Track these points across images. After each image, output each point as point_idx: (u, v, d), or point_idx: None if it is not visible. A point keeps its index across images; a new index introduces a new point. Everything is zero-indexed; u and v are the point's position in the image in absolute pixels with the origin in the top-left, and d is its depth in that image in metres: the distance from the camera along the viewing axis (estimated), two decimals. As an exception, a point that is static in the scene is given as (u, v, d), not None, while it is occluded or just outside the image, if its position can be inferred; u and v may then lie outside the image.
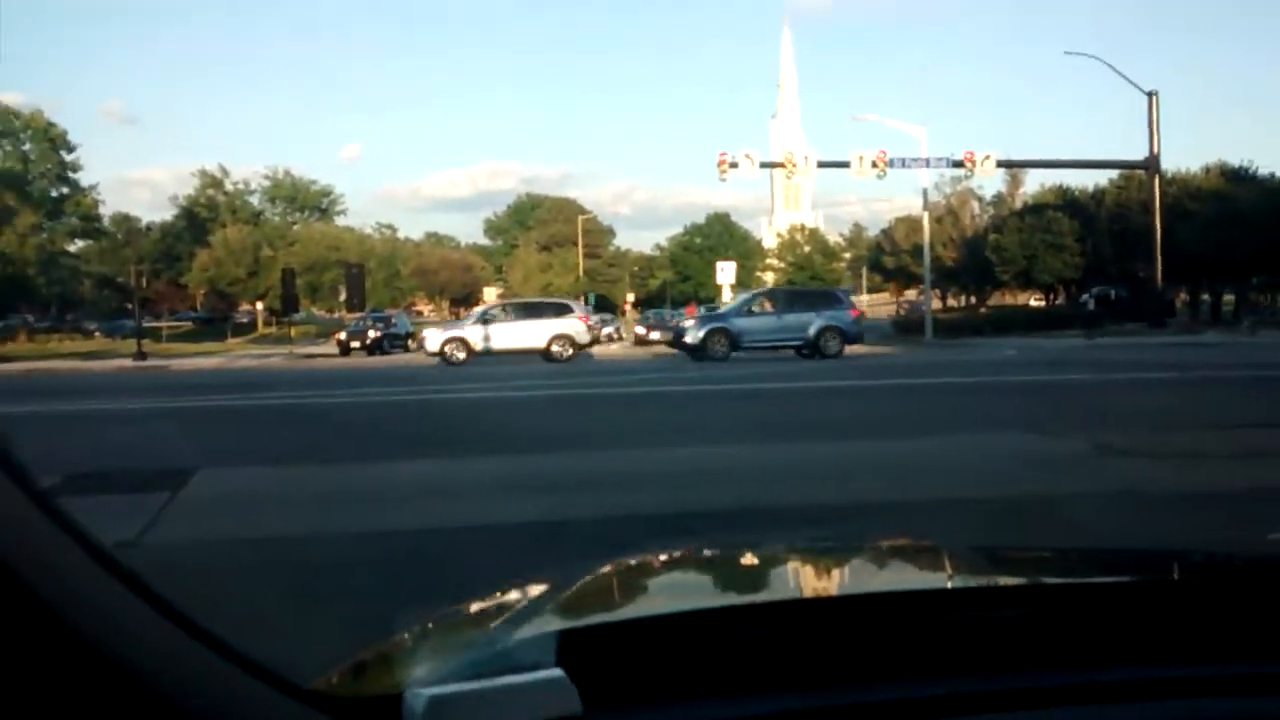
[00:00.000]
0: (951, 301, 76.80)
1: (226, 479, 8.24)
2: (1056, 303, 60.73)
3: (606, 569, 1.60)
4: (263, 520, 6.70)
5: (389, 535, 6.19)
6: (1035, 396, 15.12)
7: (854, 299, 36.59)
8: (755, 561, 1.76)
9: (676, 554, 1.79)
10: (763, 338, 28.15)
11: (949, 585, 1.50)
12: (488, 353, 28.96)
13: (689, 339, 28.59)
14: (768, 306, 29.57)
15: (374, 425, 12.96)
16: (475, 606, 1.38)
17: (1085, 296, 51.88)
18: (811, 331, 27.93)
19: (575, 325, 30.06)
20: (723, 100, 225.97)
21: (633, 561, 1.70)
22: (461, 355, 28.76)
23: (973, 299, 71.95)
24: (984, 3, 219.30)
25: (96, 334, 54.06)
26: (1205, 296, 55.38)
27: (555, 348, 29.05)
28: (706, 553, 1.87)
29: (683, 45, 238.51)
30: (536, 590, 1.44)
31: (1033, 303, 66.66)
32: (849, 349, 28.35)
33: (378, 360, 36.18)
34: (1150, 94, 40.28)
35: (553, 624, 1.14)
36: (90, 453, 9.94)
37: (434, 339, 30.18)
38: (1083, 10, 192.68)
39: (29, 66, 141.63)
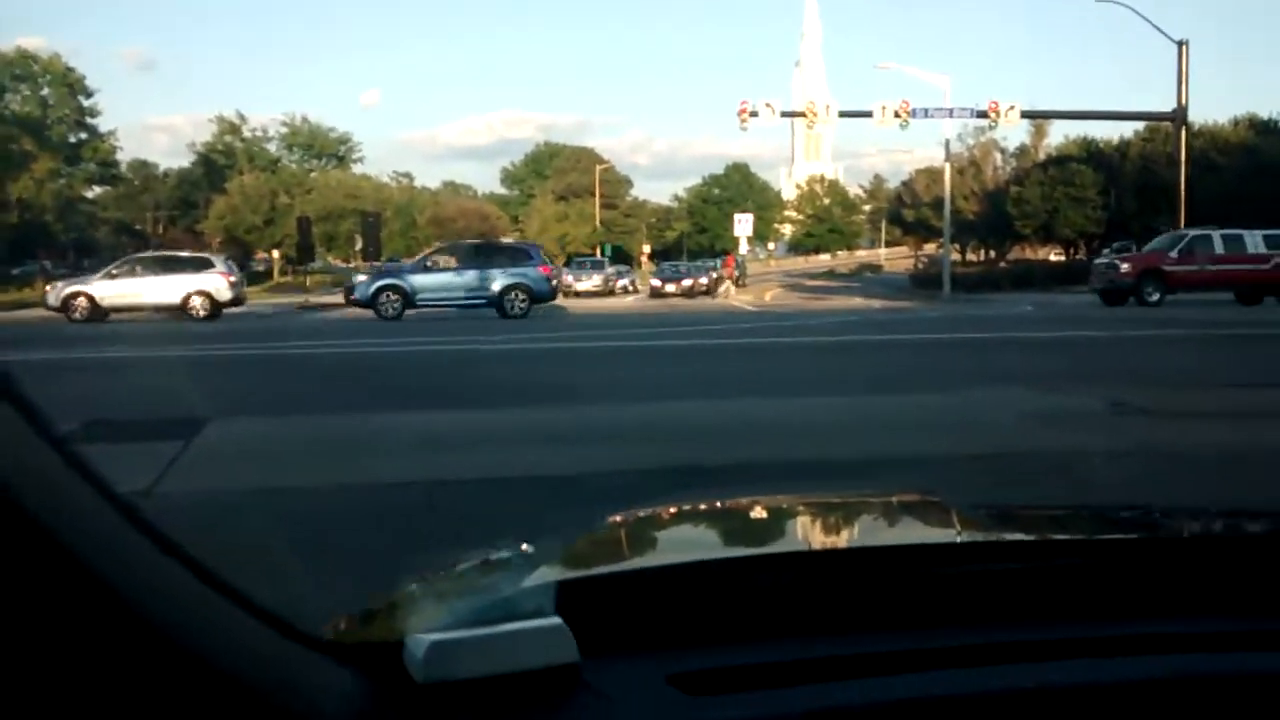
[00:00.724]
0: (971, 256, 76.24)
1: (239, 429, 8.27)
2: (1077, 258, 60.20)
3: (612, 521, 1.62)
4: (275, 470, 6.73)
5: (399, 486, 6.22)
6: (1051, 353, 15.02)
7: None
8: (756, 515, 1.78)
9: (681, 507, 1.81)
10: (440, 295, 26.93)
11: (949, 539, 1.51)
12: (114, 309, 27.29)
13: (357, 295, 27.35)
14: (450, 262, 28.13)
15: (383, 374, 12.98)
16: (480, 558, 1.40)
17: (1106, 251, 51.35)
18: (495, 288, 26.73)
19: (216, 281, 28.42)
20: (744, 49, 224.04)
21: (639, 514, 1.71)
22: (81, 314, 26.95)
23: (992, 253, 71.42)
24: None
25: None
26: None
27: (194, 302, 27.65)
28: (708, 505, 1.89)
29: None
30: (541, 542, 1.47)
31: (1053, 258, 66.14)
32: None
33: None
34: (1180, 43, 39.58)
35: (553, 575, 1.17)
36: (104, 401, 9.99)
37: (55, 294, 28.09)
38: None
39: (49, 10, 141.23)
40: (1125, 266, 29.84)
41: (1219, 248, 29.26)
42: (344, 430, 8.25)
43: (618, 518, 1.64)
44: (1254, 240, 29.64)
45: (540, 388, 11.01)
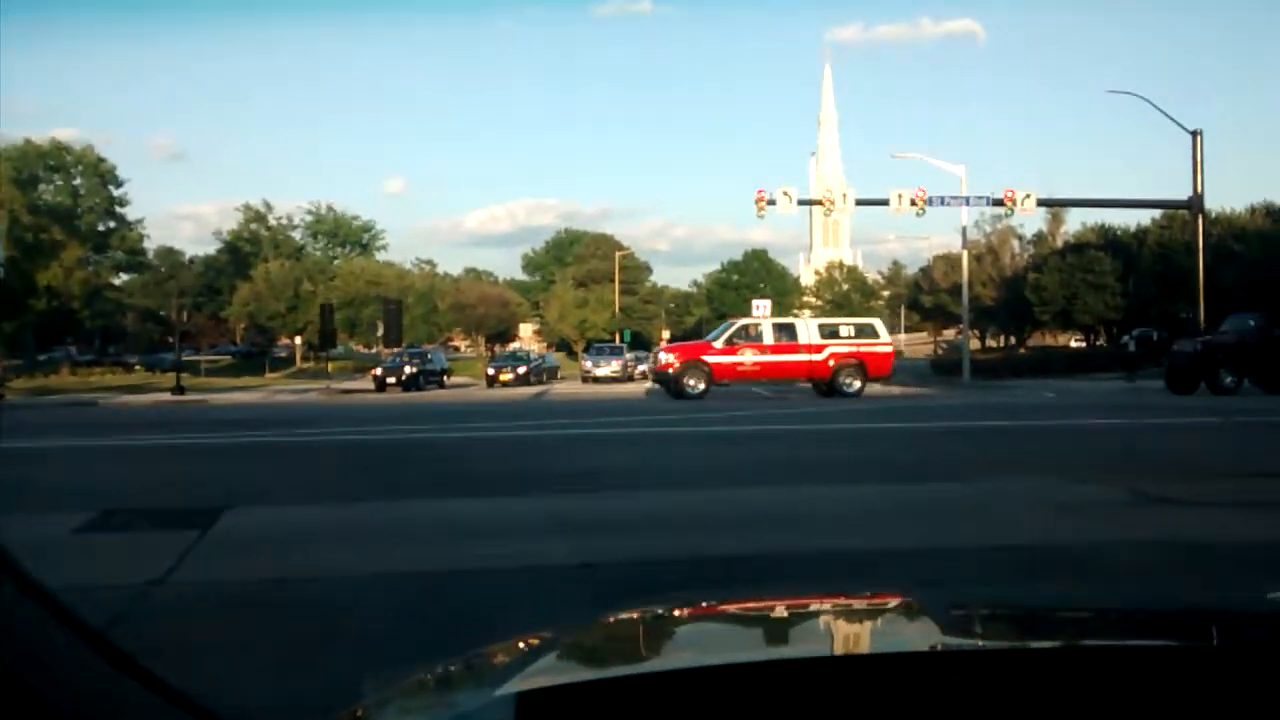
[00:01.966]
0: (990, 341, 76.20)
1: (255, 517, 8.29)
2: (1097, 344, 60.05)
3: (592, 623, 1.62)
4: (288, 560, 6.72)
5: (413, 576, 6.20)
6: (1073, 441, 14.92)
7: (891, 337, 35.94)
8: (727, 621, 1.76)
9: (655, 611, 1.79)
10: None
11: (917, 647, 1.49)
12: None
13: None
14: None
15: (402, 462, 12.99)
16: (451, 665, 1.41)
17: (1126, 338, 51.29)
18: None
19: None
20: (762, 137, 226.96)
21: (615, 618, 1.71)
22: None
23: (1011, 339, 71.35)
24: (1025, 40, 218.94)
25: (137, 367, 54.82)
26: (1250, 338, 54.57)
27: None
28: (679, 610, 1.86)
29: (723, 82, 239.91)
30: (513, 647, 1.46)
31: (1073, 344, 66.02)
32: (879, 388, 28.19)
33: (413, 396, 36.40)
34: (1194, 133, 39.90)
35: (516, 684, 1.17)
36: (125, 488, 10.05)
37: None
38: (1126, 48, 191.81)
39: (83, 103, 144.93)
40: (665, 357, 28.83)
41: (768, 337, 28.38)
42: (356, 518, 8.26)
43: (602, 619, 1.64)
44: (807, 329, 28.92)
45: (553, 475, 10.99)
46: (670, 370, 27.97)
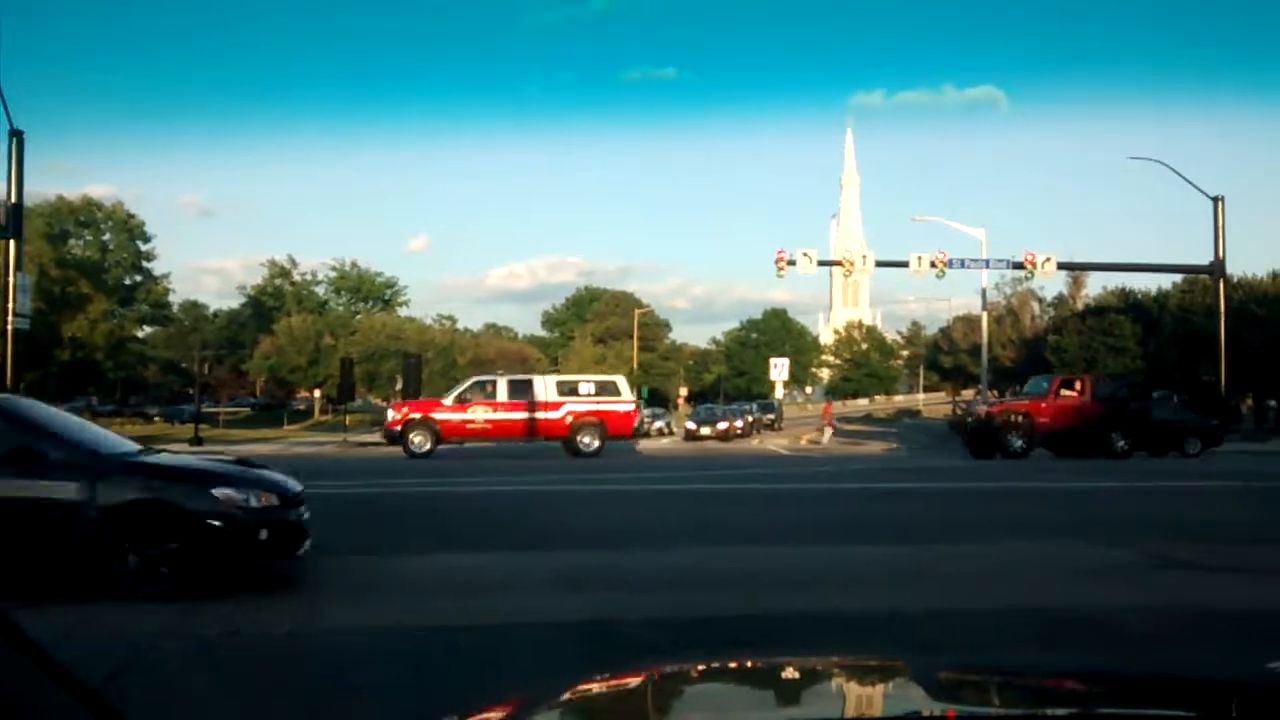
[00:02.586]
0: (1010, 402, 75.84)
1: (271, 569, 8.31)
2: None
3: (579, 687, 1.64)
4: (289, 615, 6.74)
5: (426, 630, 6.20)
6: (1090, 503, 14.80)
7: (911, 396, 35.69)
8: (721, 683, 1.78)
9: (642, 675, 1.81)
10: None
11: (897, 710, 1.51)
12: None
13: None
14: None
15: (421, 516, 13.00)
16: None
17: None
18: None
19: None
20: (784, 198, 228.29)
21: (617, 678, 1.73)
22: None
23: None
24: (1047, 106, 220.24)
25: (156, 418, 55.18)
26: (1271, 403, 54.11)
27: None
28: (673, 671, 1.87)
29: (745, 144, 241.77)
30: (509, 705, 1.49)
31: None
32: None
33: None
34: (1216, 199, 39.96)
35: None
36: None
37: None
38: (1148, 114, 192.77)
39: (117, 160, 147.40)
40: (393, 414, 27.86)
41: (503, 394, 27.45)
42: (366, 571, 8.27)
43: (602, 679, 1.67)
44: (544, 386, 28.13)
45: (568, 531, 10.97)
46: (396, 428, 26.93)
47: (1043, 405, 27.65)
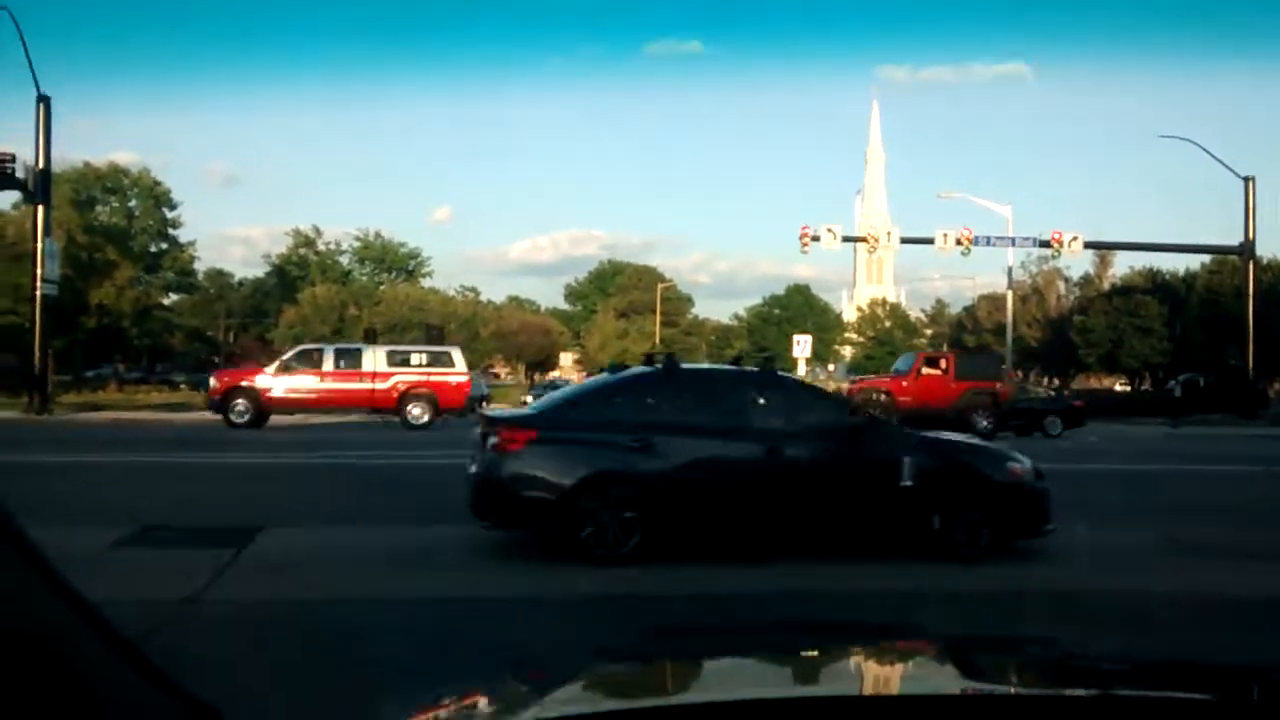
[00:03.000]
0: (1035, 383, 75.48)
1: (291, 538, 8.39)
2: (1142, 388, 59.29)
3: (598, 667, 1.65)
4: (321, 581, 6.80)
5: (441, 601, 6.25)
6: (1113, 485, 14.73)
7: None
8: (746, 657, 1.78)
9: (661, 654, 1.82)
10: None
11: (914, 691, 1.50)
12: None
13: None
14: None
15: (437, 487, 13.06)
16: (472, 694, 1.44)
17: (1172, 383, 50.58)
18: None
19: None
20: (809, 173, 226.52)
21: (631, 655, 1.77)
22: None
23: (1055, 381, 70.65)
24: (1075, 83, 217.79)
25: (182, 386, 55.65)
26: (1301, 387, 53.69)
27: None
28: (695, 650, 1.87)
29: (771, 119, 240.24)
30: (531, 678, 1.51)
31: (1117, 387, 65.19)
32: None
33: (452, 422, 36.49)
34: (1247, 179, 39.50)
35: (534, 713, 1.21)
36: (164, 506, 10.19)
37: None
38: (1179, 92, 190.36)
39: (144, 128, 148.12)
40: (213, 383, 26.50)
41: (329, 363, 26.46)
42: (389, 542, 8.32)
43: (617, 653, 1.71)
44: (374, 356, 26.90)
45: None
46: (217, 396, 25.72)
47: (904, 384, 27.49)
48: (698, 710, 1.28)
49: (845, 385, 30.25)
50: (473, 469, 7.95)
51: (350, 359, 27.07)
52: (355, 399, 26.53)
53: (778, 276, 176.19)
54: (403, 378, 26.72)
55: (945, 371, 27.85)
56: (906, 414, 26.74)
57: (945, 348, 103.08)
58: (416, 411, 26.47)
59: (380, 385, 26.53)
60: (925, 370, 28.05)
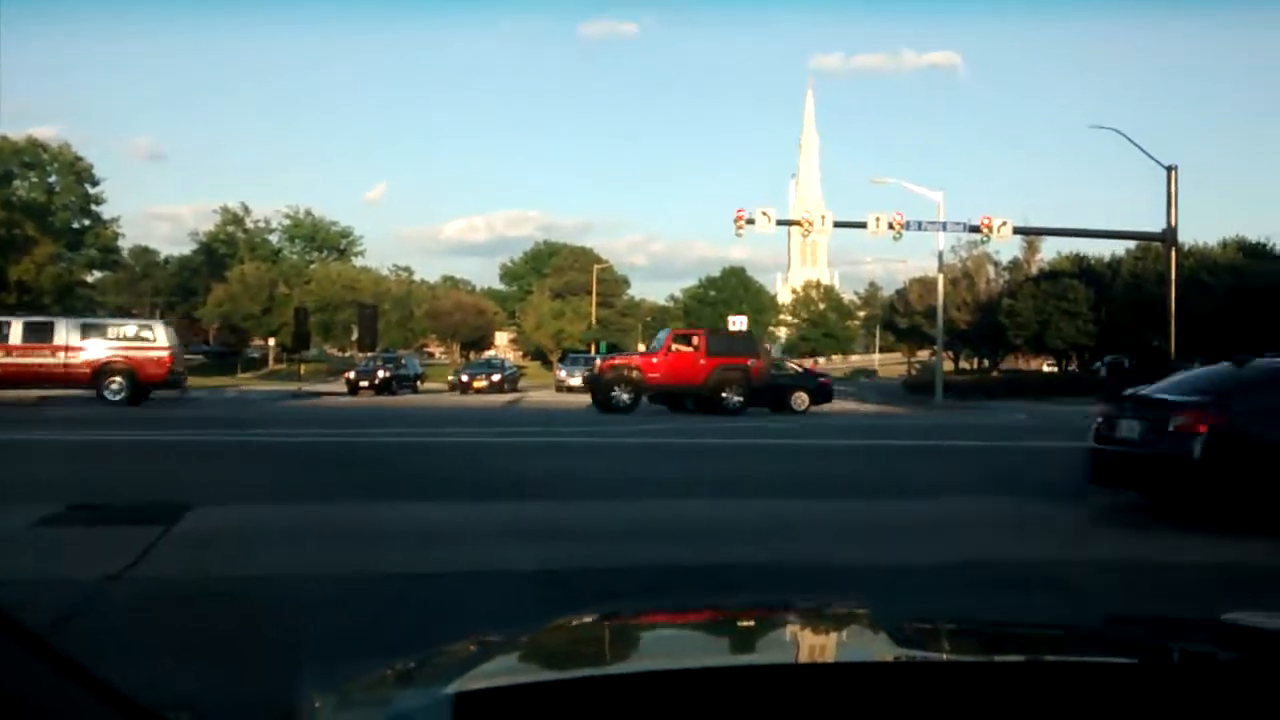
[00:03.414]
0: (964, 364, 76.65)
1: (219, 516, 8.23)
2: (1069, 369, 60.55)
3: (540, 629, 1.62)
4: (250, 558, 6.68)
5: (375, 578, 6.17)
6: (1040, 461, 15.03)
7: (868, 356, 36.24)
8: (678, 628, 1.76)
9: (612, 616, 1.82)
10: None
11: (867, 657, 1.49)
12: None
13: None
14: None
15: (372, 465, 12.94)
16: (397, 665, 1.40)
17: (1098, 364, 51.78)
18: None
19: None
20: (743, 157, 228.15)
21: (567, 622, 1.72)
22: None
23: (985, 362, 71.84)
24: (1005, 72, 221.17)
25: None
26: (1219, 368, 55.11)
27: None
28: (641, 615, 1.86)
29: (706, 103, 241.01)
30: (457, 650, 1.47)
31: (1045, 368, 66.51)
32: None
33: (384, 400, 36.25)
34: (1169, 168, 40.38)
35: (455, 686, 1.17)
36: (89, 484, 9.95)
37: None
38: (1104, 82, 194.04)
39: (64, 102, 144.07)
40: None
41: (17, 336, 25.50)
42: (321, 519, 8.21)
43: (547, 625, 1.65)
44: (66, 330, 26.01)
45: (530, 482, 10.97)
46: None
47: (654, 360, 27.62)
48: (618, 681, 1.25)
49: (599, 363, 30.04)
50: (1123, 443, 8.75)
51: (40, 332, 26.05)
52: (46, 373, 25.58)
53: (713, 259, 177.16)
54: (98, 353, 25.82)
55: (696, 349, 27.74)
56: (657, 390, 27.37)
57: (878, 330, 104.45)
58: (115, 387, 25.67)
59: (73, 359, 25.64)
60: (676, 347, 28.00)
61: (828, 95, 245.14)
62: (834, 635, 1.69)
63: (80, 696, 0.84)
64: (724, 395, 26.73)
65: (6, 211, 54.53)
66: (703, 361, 27.20)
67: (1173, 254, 40.87)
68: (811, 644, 1.61)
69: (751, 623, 1.78)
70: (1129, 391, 9.56)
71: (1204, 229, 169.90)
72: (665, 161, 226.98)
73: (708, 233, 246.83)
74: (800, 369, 35.12)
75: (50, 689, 0.82)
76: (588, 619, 1.76)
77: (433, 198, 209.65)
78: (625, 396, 26.65)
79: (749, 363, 27.45)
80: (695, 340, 28.43)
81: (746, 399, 27.01)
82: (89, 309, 73.20)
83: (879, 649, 1.56)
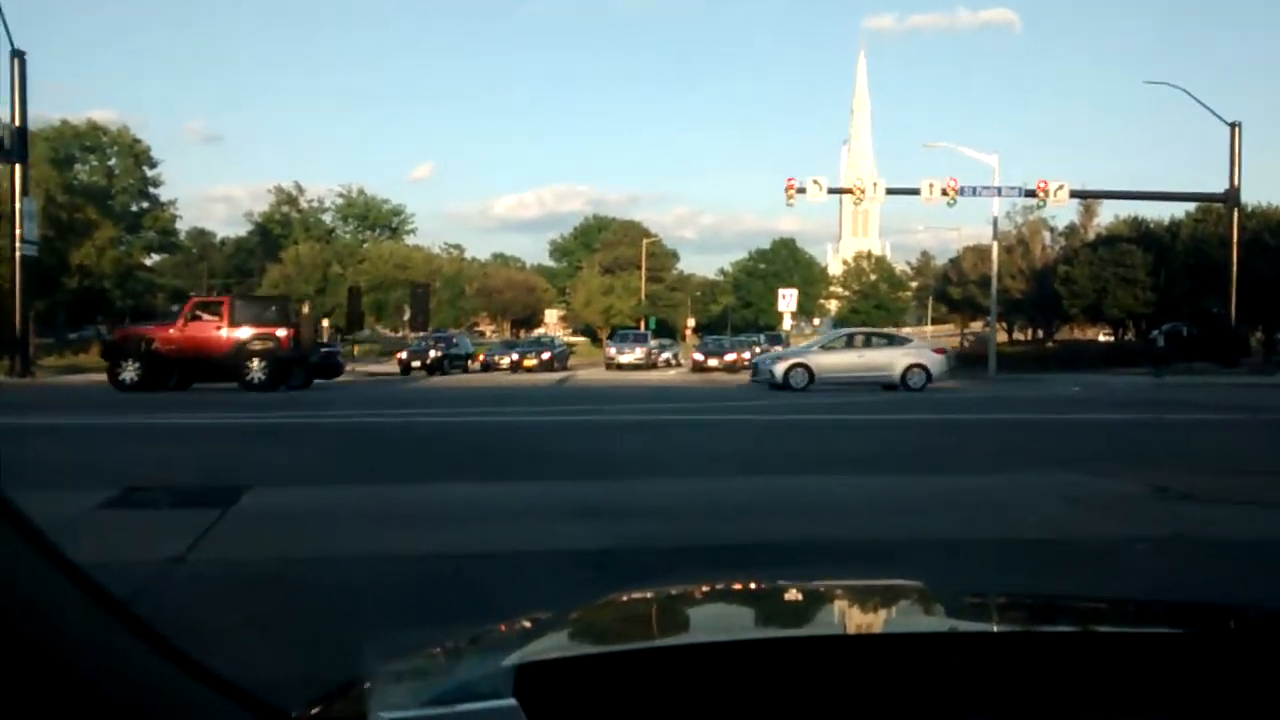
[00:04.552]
0: (1018, 335, 75.65)
1: (276, 497, 8.34)
2: (1126, 338, 59.51)
3: (599, 603, 1.65)
4: (308, 541, 6.76)
5: (433, 558, 6.23)
6: (1097, 435, 14.81)
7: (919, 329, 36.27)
8: (738, 601, 1.79)
9: (666, 590, 1.83)
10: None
11: (925, 629, 1.51)
12: None
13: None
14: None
15: (428, 445, 13.05)
16: (457, 640, 1.43)
17: (1155, 333, 50.88)
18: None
19: None
20: (793, 125, 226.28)
21: (625, 597, 1.74)
22: None
23: (1040, 333, 70.81)
24: (1062, 31, 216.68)
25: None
26: (1282, 336, 53.92)
27: None
28: (692, 590, 1.89)
29: (755, 70, 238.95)
30: (518, 624, 1.49)
31: (1101, 338, 65.43)
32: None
33: (437, 381, 36.54)
34: (1233, 125, 39.43)
35: (517, 657, 1.19)
36: (147, 466, 10.15)
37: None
38: (1165, 39, 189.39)
39: (122, 86, 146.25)
40: None
41: None
42: (382, 500, 8.30)
43: (605, 599, 1.67)
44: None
45: (581, 461, 11.02)
46: None
47: (170, 331, 26.12)
48: (686, 652, 1.26)
49: (119, 331, 28.37)
50: None
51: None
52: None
53: (763, 230, 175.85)
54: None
55: (220, 317, 26.47)
56: (175, 363, 25.49)
57: (930, 301, 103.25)
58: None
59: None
60: (197, 316, 26.58)
61: (880, 58, 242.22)
62: (885, 609, 1.70)
63: (175, 675, 0.86)
64: (248, 367, 25.63)
65: (69, 195, 55.55)
66: (226, 332, 26.01)
67: (1235, 215, 39.98)
68: (863, 618, 1.62)
69: (802, 596, 1.80)
70: None
71: (1270, 188, 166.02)
72: (714, 132, 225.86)
73: (757, 204, 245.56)
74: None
75: (129, 657, 0.84)
76: (642, 593, 1.78)
77: (482, 175, 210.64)
78: (132, 373, 25.14)
79: (278, 333, 26.14)
80: (218, 308, 27.08)
81: (275, 372, 25.82)
82: (148, 292, 74.64)
83: (931, 622, 1.58)
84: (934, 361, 28.52)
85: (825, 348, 29.60)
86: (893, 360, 28.05)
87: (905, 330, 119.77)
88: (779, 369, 27.89)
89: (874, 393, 25.75)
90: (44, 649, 0.75)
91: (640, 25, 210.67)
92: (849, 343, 29.86)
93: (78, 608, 0.81)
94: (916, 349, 29.44)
